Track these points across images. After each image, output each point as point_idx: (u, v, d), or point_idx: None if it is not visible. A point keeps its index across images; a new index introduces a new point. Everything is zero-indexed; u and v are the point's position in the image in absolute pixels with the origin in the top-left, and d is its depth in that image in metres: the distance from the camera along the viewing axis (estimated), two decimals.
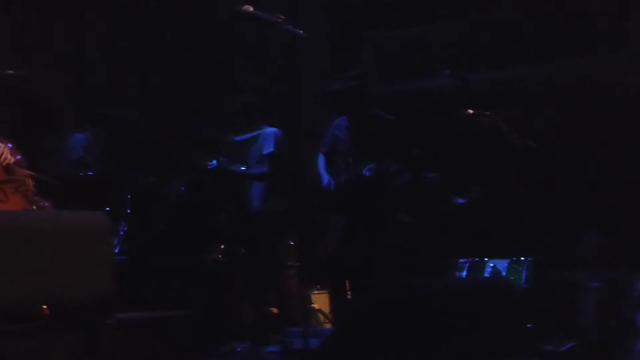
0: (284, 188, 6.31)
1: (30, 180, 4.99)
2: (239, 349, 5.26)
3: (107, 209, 5.59)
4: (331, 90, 6.24)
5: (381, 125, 6.16)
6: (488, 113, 6.25)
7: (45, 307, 4.24)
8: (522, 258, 6.03)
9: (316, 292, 6.79)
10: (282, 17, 4.53)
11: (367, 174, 6.01)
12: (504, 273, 6.04)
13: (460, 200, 6.32)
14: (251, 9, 4.62)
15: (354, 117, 6.22)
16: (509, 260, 6.08)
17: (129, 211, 5.86)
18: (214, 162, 6.16)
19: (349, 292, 7.24)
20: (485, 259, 6.16)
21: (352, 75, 6.18)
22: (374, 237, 6.10)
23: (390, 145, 6.07)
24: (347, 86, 6.10)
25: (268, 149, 6.49)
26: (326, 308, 6.74)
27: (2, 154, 4.88)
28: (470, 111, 6.27)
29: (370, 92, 6.36)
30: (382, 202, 6.13)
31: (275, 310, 6.03)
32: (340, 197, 6.17)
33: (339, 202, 6.19)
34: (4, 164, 4.90)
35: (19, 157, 5.07)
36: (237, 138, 6.55)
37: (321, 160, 6.35)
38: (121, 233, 5.83)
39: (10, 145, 5.09)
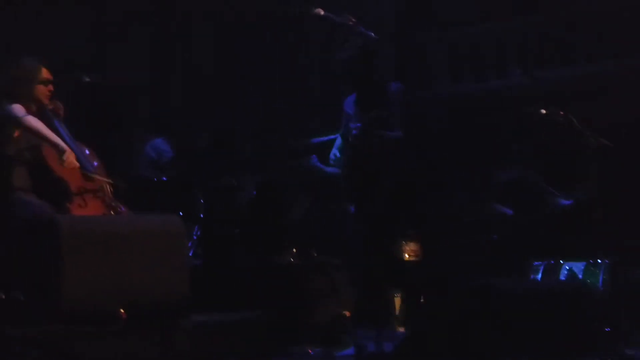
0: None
1: (107, 186, 5.06)
2: (312, 353, 5.25)
3: (180, 213, 5.63)
4: (338, 58, 5.81)
5: (390, 92, 5.78)
6: (562, 112, 6.13)
7: (122, 310, 4.31)
8: (599, 260, 5.88)
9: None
10: (353, 19, 4.53)
11: (355, 132, 5.65)
12: (580, 276, 5.91)
13: (565, 202, 6.19)
14: (322, 12, 4.63)
15: (360, 85, 5.81)
16: (585, 263, 5.94)
17: (202, 215, 5.90)
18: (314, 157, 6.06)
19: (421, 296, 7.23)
20: (561, 261, 6.03)
21: (354, 45, 5.68)
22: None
23: (394, 109, 5.69)
24: (351, 54, 5.66)
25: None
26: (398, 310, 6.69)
27: (67, 157, 4.95)
28: (544, 111, 6.16)
29: (375, 61, 5.80)
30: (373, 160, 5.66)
31: (348, 313, 5.98)
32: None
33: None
34: (65, 166, 4.96)
35: (96, 163, 5.16)
36: (319, 139, 6.47)
37: (337, 141, 6.03)
38: (194, 237, 5.88)
39: (87, 151, 5.17)
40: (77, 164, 4.98)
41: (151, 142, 6.87)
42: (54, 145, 4.93)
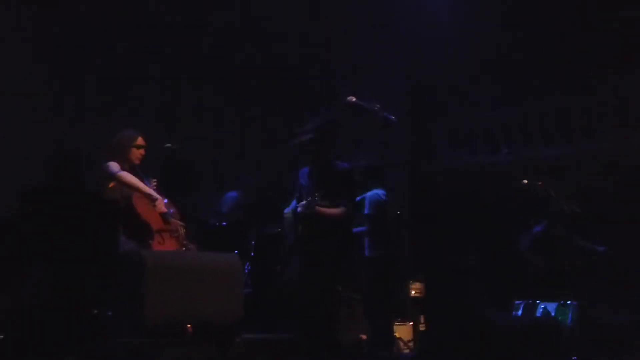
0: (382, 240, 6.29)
1: (181, 228, 5.18)
2: None
3: (236, 251, 5.72)
4: (294, 142, 5.53)
5: (338, 172, 5.47)
6: (540, 183, 6.20)
7: (189, 326, 4.40)
8: (569, 302, 5.90)
9: (397, 323, 6.75)
10: (378, 105, 4.67)
11: (299, 209, 5.42)
12: (553, 313, 5.92)
13: (601, 248, 6.24)
14: (354, 99, 4.77)
15: (315, 164, 5.54)
16: (557, 303, 5.95)
17: (252, 254, 5.97)
18: None
19: (423, 324, 7.22)
20: (537, 301, 6.05)
21: (311, 129, 5.43)
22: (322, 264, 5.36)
23: (345, 190, 5.42)
24: (307, 137, 5.42)
25: (365, 210, 6.50)
26: (406, 337, 6.71)
27: (159, 203, 5.09)
28: (525, 181, 6.23)
29: (331, 142, 5.49)
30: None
31: (364, 336, 6.01)
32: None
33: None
34: (157, 210, 5.07)
35: (172, 210, 5.26)
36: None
37: (292, 205, 5.73)
38: (246, 271, 5.95)
39: (166, 200, 5.28)
40: (165, 209, 5.10)
41: (224, 196, 6.99)
42: (147, 195, 5.07)
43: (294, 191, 5.69)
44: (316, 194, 5.26)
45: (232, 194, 6.88)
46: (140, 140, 5.21)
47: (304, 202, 5.34)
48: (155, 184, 5.24)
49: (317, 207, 5.27)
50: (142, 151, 5.21)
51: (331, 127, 5.45)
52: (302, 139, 5.42)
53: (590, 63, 7.53)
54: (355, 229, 6.37)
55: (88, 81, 7.13)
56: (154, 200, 5.06)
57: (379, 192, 6.49)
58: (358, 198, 6.28)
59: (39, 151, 6.48)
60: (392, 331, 6.31)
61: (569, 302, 5.87)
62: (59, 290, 3.75)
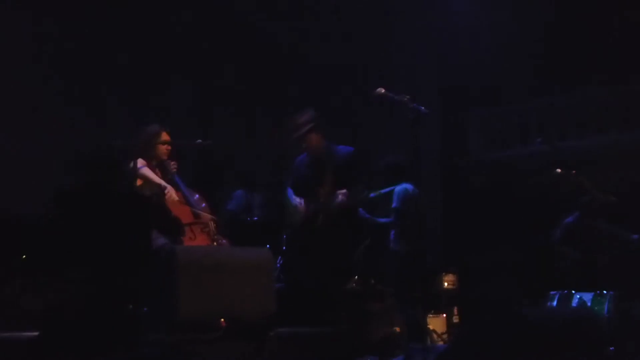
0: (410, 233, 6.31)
1: (212, 223, 5.21)
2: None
3: (268, 246, 5.74)
4: (289, 140, 5.63)
5: (333, 160, 5.58)
6: (574, 172, 6.12)
7: (222, 320, 4.43)
8: (605, 292, 5.81)
9: (431, 315, 6.74)
10: (408, 96, 4.62)
11: (340, 198, 5.50)
12: (589, 304, 5.84)
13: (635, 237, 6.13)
14: (383, 90, 4.73)
15: (315, 155, 5.66)
16: (593, 293, 5.87)
17: (284, 248, 5.99)
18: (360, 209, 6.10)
19: (456, 316, 7.20)
20: (573, 291, 5.97)
21: (303, 122, 5.56)
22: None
23: (355, 174, 5.51)
24: (301, 132, 5.53)
25: (393, 204, 6.50)
26: (439, 329, 6.68)
27: (168, 192, 5.10)
28: (559, 170, 6.16)
29: (324, 130, 5.60)
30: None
31: (398, 329, 6.00)
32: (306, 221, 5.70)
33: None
34: (169, 200, 5.09)
35: (203, 204, 5.30)
36: (379, 192, 6.52)
37: (289, 191, 5.83)
38: (278, 265, 5.97)
39: (197, 195, 5.32)
40: (177, 198, 5.12)
41: (235, 193, 6.97)
42: (157, 185, 5.08)
43: (290, 179, 5.74)
44: (363, 188, 5.34)
45: (239, 192, 6.90)
46: (164, 136, 5.24)
47: (343, 192, 5.38)
48: (174, 166, 5.27)
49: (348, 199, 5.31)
50: (167, 146, 5.23)
51: (318, 118, 5.50)
52: (297, 133, 5.47)
53: (624, 53, 7.42)
54: (381, 220, 6.42)
55: (121, 79, 7.21)
56: (163, 189, 5.07)
57: (407, 186, 6.50)
58: (386, 190, 6.30)
59: (71, 151, 6.57)
60: (425, 323, 6.32)
61: (605, 292, 5.79)
62: (94, 288, 3.79)
